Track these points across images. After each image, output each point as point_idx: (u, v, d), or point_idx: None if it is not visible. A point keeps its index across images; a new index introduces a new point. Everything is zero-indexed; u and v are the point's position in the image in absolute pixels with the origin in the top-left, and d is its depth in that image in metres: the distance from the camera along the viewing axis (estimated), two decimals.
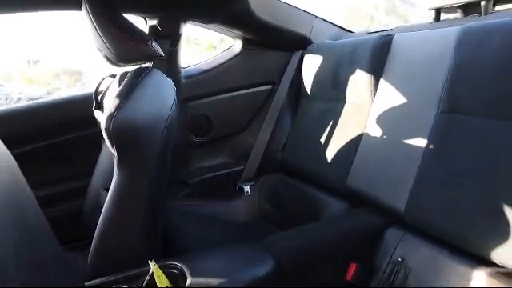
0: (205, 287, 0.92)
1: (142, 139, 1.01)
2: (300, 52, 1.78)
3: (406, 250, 1.07)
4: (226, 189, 1.79)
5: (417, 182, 1.09)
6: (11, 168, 0.58)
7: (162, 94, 1.08)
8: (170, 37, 1.54)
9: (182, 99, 1.68)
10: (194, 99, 1.73)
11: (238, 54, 1.75)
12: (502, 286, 0.86)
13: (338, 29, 1.84)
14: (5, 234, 0.42)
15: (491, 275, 0.88)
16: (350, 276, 1.09)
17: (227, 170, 1.81)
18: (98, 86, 1.42)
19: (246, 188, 1.77)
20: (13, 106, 1.54)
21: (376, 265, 1.11)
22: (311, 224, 1.25)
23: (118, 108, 0.94)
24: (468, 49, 1.02)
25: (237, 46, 1.76)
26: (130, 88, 0.99)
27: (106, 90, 1.37)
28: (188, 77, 1.71)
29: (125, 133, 0.96)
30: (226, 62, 1.75)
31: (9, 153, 0.59)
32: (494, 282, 0.87)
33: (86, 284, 0.94)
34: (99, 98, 1.40)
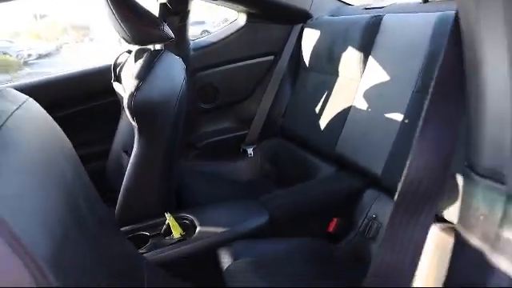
0: (212, 235, 1.14)
1: (158, 113, 1.19)
2: (300, 25, 1.90)
3: (379, 208, 1.27)
4: (231, 151, 1.99)
5: (392, 151, 1.27)
6: (55, 130, 0.72)
7: (173, 73, 1.25)
8: (179, 13, 1.68)
9: (191, 70, 1.84)
10: (202, 70, 1.89)
11: (242, 27, 1.88)
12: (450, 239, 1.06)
13: (338, 2, 1.95)
14: (49, 194, 0.57)
15: (442, 229, 1.08)
16: (331, 228, 1.30)
17: (232, 134, 2.00)
18: (116, 60, 1.59)
19: (249, 150, 1.97)
20: (40, 77, 1.72)
21: (354, 220, 1.32)
22: (303, 184, 1.45)
23: (137, 89, 1.12)
24: (441, 40, 1.17)
25: (241, 19, 1.89)
26: (147, 70, 1.17)
27: (123, 64, 1.54)
28: (196, 49, 1.86)
29: (143, 109, 1.14)
30: (231, 34, 1.88)
31: (50, 117, 0.72)
32: (444, 236, 1.07)
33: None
34: (117, 70, 1.57)
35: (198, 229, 1.17)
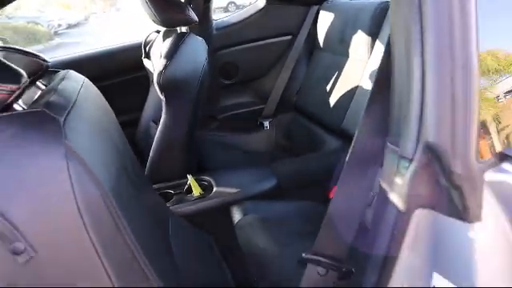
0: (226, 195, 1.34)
1: (182, 89, 1.38)
2: (316, 7, 2.02)
3: None
4: (248, 123, 2.17)
5: None
6: (104, 102, 0.90)
7: (196, 54, 1.42)
8: None
9: (214, 48, 2.00)
10: (224, 48, 2.05)
11: (262, 9, 2.02)
12: None
13: None
14: (109, 150, 0.76)
15: None
16: (331, 194, 1.47)
17: (250, 108, 2.17)
18: (146, 38, 1.77)
19: (266, 123, 2.15)
20: (79, 53, 1.93)
21: None
22: (309, 155, 1.63)
23: (165, 68, 1.30)
24: None
25: (261, 1, 2.03)
26: (173, 51, 1.34)
27: (153, 42, 1.72)
28: (219, 29, 2.01)
29: (170, 85, 1.32)
30: (251, 15, 2.03)
31: (100, 92, 0.90)
32: None
33: None
34: (147, 48, 1.75)
35: (214, 189, 1.37)
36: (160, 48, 1.48)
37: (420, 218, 0.44)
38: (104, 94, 0.93)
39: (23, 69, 0.63)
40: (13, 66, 0.62)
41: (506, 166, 0.44)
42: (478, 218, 0.42)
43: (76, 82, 0.74)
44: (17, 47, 0.73)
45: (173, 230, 1.00)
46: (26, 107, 0.66)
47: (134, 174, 0.86)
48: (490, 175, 0.42)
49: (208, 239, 1.20)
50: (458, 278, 0.43)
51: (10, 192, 0.51)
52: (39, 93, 0.68)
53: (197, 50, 1.44)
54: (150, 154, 1.46)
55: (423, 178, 0.44)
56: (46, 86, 0.72)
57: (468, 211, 0.43)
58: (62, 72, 0.79)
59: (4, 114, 0.56)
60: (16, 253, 0.49)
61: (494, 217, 0.42)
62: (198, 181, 1.42)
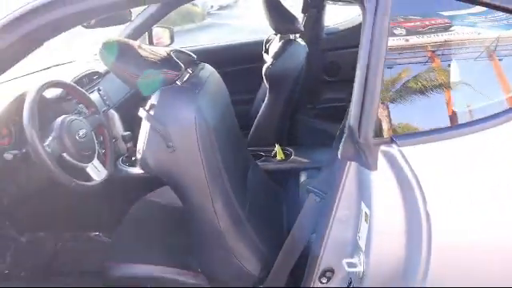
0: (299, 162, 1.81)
1: (281, 81, 1.88)
2: None
3: None
4: (341, 115, 2.56)
5: None
6: (221, 82, 1.43)
7: (297, 57, 1.90)
8: (316, 6, 2.29)
9: (323, 49, 2.44)
10: (330, 50, 2.48)
11: None
12: None
13: None
14: (229, 122, 1.31)
15: None
16: None
17: (346, 103, 2.56)
18: (268, 37, 2.30)
19: None
20: (216, 44, 2.56)
21: None
22: None
23: (271, 64, 1.82)
24: None
25: None
26: (280, 53, 1.84)
27: (272, 41, 2.24)
28: (328, 34, 2.45)
29: (272, 77, 1.83)
30: (355, 25, 2.40)
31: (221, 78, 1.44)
32: None
33: None
34: (267, 46, 2.28)
35: (292, 157, 1.85)
36: (273, 48, 1.99)
37: (348, 165, 0.86)
38: (230, 77, 1.45)
39: (182, 62, 1.19)
40: (178, 60, 1.18)
41: (393, 144, 0.81)
42: (375, 168, 0.81)
43: (208, 71, 1.27)
44: (179, 49, 1.29)
45: (251, 174, 1.51)
46: (180, 84, 1.22)
47: (234, 133, 1.39)
48: (383, 147, 0.81)
49: (278, 191, 1.68)
50: (367, 200, 0.84)
51: (166, 122, 1.05)
52: (187, 76, 1.23)
53: (298, 54, 1.91)
54: (254, 124, 2.01)
55: (349, 145, 0.85)
56: (192, 72, 1.26)
57: (369, 164, 0.82)
58: (201, 64, 1.34)
59: (169, 86, 1.12)
60: (168, 147, 1.04)
61: (383, 169, 0.81)
62: (283, 150, 1.92)
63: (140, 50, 1.16)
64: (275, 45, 2.00)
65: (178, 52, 1.26)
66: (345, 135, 0.88)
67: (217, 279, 1.23)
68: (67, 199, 1.60)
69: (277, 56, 1.85)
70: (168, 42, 2.34)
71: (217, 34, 10.21)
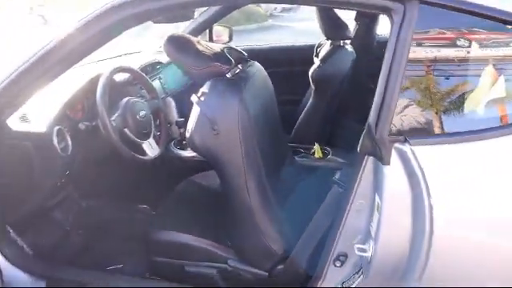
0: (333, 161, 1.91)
1: (325, 84, 1.99)
2: None
3: None
4: None
5: None
6: (267, 80, 1.57)
7: (344, 63, 2.00)
8: (369, 17, 2.37)
9: (372, 57, 2.50)
10: (380, 59, 2.52)
11: None
12: None
13: None
14: (271, 113, 1.46)
15: None
16: None
17: None
18: (319, 42, 2.41)
19: None
20: (266, 45, 2.70)
21: None
22: None
23: (318, 67, 1.93)
24: None
25: None
26: (327, 57, 1.95)
27: (323, 46, 2.35)
28: (379, 42, 2.51)
29: (317, 80, 1.95)
30: None
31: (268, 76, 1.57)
32: None
33: None
34: (318, 50, 2.40)
35: (328, 157, 1.96)
36: (323, 52, 2.10)
37: (366, 159, 0.96)
38: (281, 77, 1.58)
39: (233, 58, 1.34)
40: (229, 56, 1.34)
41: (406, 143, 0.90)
42: (388, 163, 0.91)
43: (255, 68, 1.42)
44: (232, 46, 1.45)
45: (287, 165, 1.63)
46: (229, 76, 1.37)
47: (273, 125, 1.52)
48: (397, 144, 0.91)
49: (311, 185, 1.79)
50: (380, 191, 0.94)
51: (213, 108, 1.21)
52: (237, 70, 1.38)
53: (344, 59, 2.01)
54: (297, 122, 2.14)
55: (367, 141, 0.95)
56: (241, 68, 1.41)
57: (383, 159, 0.92)
58: (251, 62, 1.48)
59: (219, 77, 1.28)
60: (213, 129, 1.19)
61: (395, 163, 0.90)
62: (322, 149, 2.02)
63: (198, 45, 1.33)
64: (325, 49, 2.11)
65: (231, 49, 1.41)
66: (364, 132, 0.99)
67: (243, 254, 1.37)
68: (124, 172, 1.82)
69: (324, 60, 1.96)
70: (227, 39, 2.51)
71: (277, 35, 10.38)
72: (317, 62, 2.01)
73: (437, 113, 0.93)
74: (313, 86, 2.02)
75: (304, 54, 2.53)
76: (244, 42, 3.89)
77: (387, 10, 0.96)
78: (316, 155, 1.99)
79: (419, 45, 0.95)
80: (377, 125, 0.94)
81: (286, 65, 2.62)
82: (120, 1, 1.01)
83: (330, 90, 2.00)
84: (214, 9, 2.31)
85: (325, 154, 2.00)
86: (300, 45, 2.71)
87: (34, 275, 1.37)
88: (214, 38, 2.46)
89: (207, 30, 2.42)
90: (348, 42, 2.28)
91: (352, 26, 2.36)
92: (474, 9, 0.90)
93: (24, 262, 1.37)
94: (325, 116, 2.09)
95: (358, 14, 2.37)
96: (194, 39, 1.36)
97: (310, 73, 2.00)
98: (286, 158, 1.63)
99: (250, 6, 12.79)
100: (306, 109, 2.09)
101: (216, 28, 2.46)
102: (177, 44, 1.30)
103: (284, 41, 3.98)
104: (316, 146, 2.00)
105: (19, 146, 1.31)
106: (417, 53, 0.95)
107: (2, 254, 1.32)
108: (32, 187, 1.40)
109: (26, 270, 1.36)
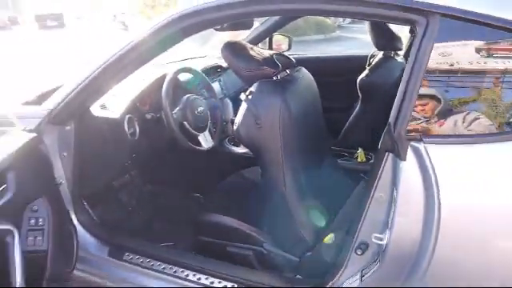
0: None
1: (371, 93, 2.08)
2: None
3: None
4: None
5: None
6: (313, 85, 1.69)
7: (392, 73, 2.07)
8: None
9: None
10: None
11: None
12: None
13: None
14: (315, 117, 1.58)
15: None
16: None
17: None
18: (373, 53, 2.49)
19: None
20: (323, 54, 2.82)
21: None
22: None
23: (366, 76, 2.04)
24: None
25: None
26: (376, 67, 2.05)
27: (375, 57, 2.43)
28: None
29: (364, 88, 2.06)
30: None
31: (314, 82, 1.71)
32: None
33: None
34: (371, 60, 2.48)
35: (371, 161, 2.04)
36: (374, 62, 2.20)
37: (386, 155, 1.07)
38: (334, 85, 1.71)
39: (281, 63, 1.50)
40: (277, 61, 1.50)
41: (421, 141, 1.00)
42: (404, 159, 1.01)
43: (301, 74, 1.57)
44: (281, 53, 1.62)
45: (326, 164, 1.74)
46: (275, 79, 1.53)
47: (314, 126, 1.65)
48: (412, 142, 1.01)
49: (349, 185, 1.89)
50: (397, 185, 1.04)
51: (258, 105, 1.37)
52: (284, 75, 1.54)
53: (393, 70, 2.09)
54: (344, 128, 2.25)
55: (387, 139, 1.06)
56: (288, 72, 1.56)
57: (400, 155, 1.02)
58: (298, 67, 1.64)
59: (266, 79, 1.44)
60: (257, 124, 1.36)
61: (410, 160, 1.00)
62: (366, 154, 2.11)
63: (250, 51, 1.51)
64: (376, 59, 2.20)
65: (280, 55, 1.58)
66: (385, 131, 1.10)
67: (277, 239, 1.52)
68: (181, 162, 2.06)
69: (373, 69, 2.06)
70: (286, 48, 2.67)
71: (343, 46, 10.38)
72: (366, 71, 2.12)
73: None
74: (360, 94, 2.12)
75: (359, 64, 2.64)
76: (309, 52, 4.04)
77: (412, 23, 1.07)
78: (359, 159, 2.08)
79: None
80: (395, 125, 1.05)
81: (341, 73, 2.73)
82: (181, 13, 1.22)
83: (376, 98, 2.09)
84: (274, 18, 2.49)
85: (367, 159, 2.09)
86: (356, 55, 2.81)
87: (100, 240, 1.62)
88: (274, 47, 2.63)
89: (267, 39, 2.61)
90: (399, 52, 2.35)
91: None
92: (493, 22, 0.98)
93: (94, 228, 1.63)
94: (370, 123, 2.17)
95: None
96: (247, 45, 1.54)
97: (357, 81, 2.10)
98: (326, 158, 1.75)
99: (318, 17, 12.95)
100: (352, 115, 2.20)
101: (276, 37, 2.63)
102: (232, 49, 1.49)
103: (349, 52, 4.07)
104: (360, 151, 2.10)
105: (98, 128, 1.58)
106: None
107: (78, 220, 1.59)
108: (105, 165, 1.66)
109: (95, 235, 1.61)
